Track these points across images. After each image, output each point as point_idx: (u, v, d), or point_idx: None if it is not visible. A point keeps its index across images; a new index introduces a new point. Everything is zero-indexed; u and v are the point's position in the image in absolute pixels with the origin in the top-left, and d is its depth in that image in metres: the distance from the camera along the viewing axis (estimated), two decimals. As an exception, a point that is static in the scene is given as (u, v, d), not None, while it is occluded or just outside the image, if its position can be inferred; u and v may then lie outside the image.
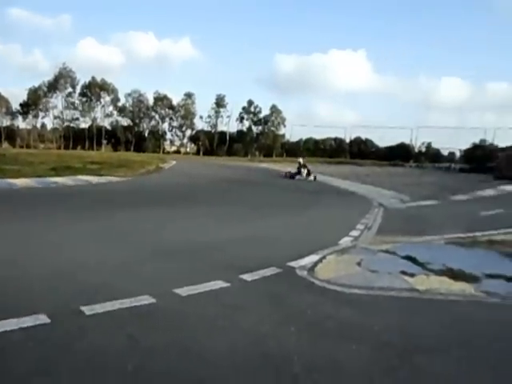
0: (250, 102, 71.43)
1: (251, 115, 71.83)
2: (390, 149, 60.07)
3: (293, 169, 24.63)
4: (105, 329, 2.94)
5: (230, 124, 72.18)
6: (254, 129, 71.84)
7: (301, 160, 25.09)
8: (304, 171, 23.36)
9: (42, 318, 2.94)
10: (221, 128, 72.56)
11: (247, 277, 4.28)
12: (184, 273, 4.45)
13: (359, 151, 61.90)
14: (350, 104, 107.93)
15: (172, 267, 4.65)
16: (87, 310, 3.16)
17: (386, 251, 5.80)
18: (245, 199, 13.13)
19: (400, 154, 55.13)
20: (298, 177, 23.14)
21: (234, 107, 71.13)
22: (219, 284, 3.99)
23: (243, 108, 71.70)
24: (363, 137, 66.09)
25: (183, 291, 3.73)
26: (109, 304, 3.30)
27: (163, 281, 4.09)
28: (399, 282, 4.45)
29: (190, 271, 4.53)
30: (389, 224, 9.17)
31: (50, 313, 3.03)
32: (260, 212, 10.02)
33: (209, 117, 71.76)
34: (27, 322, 2.86)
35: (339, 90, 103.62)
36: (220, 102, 71.25)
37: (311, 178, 22.94)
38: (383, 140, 73.23)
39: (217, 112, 71.56)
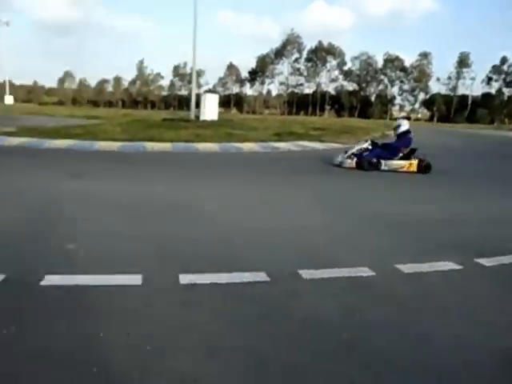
0: (504, 60, 62.02)
1: (503, 75, 62.53)
2: None
3: None
4: (321, 294, 3.12)
5: (472, 87, 64.67)
6: (506, 91, 62.30)
7: None
8: None
9: (262, 276, 3.33)
10: (462, 91, 65.71)
11: (485, 262, 3.92)
12: (406, 248, 4.40)
13: None
14: None
15: (392, 241, 4.64)
16: (304, 273, 3.42)
17: None
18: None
19: None
20: None
21: (480, 67, 63.53)
22: (449, 265, 3.79)
23: (493, 67, 63.11)
24: None
25: (406, 268, 3.68)
26: (326, 271, 3.50)
27: (383, 254, 4.12)
28: None
29: (412, 247, 4.43)
30: None
31: (269, 272, 3.38)
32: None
33: (448, 78, 66.06)
34: (249, 277, 3.30)
35: None
36: (464, 61, 64.62)
37: None
38: None
39: (458, 73, 65.21)
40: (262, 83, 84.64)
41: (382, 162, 10.32)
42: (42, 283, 3.07)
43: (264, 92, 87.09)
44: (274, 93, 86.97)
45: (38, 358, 2.22)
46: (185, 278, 3.26)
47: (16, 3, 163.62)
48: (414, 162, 10.38)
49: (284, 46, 77.83)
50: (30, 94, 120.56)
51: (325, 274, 3.45)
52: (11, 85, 79.80)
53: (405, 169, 10.34)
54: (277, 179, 8.73)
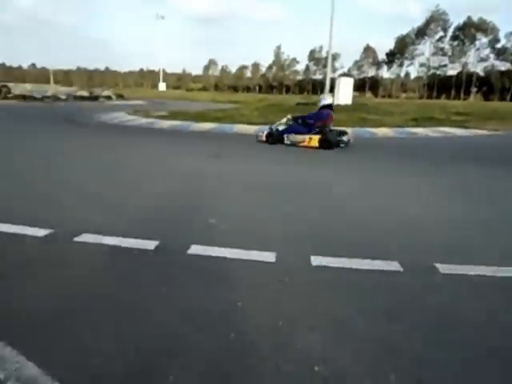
0: None
1: None
2: None
3: None
4: (460, 292, 2.88)
5: None
6: None
7: None
8: None
9: (395, 265, 3.21)
10: None
11: None
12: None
13: None
14: None
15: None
16: (441, 267, 3.20)
17: None
18: None
19: None
20: None
21: None
22: None
23: None
24: None
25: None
26: (466, 267, 3.23)
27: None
28: None
29: None
30: None
31: (403, 262, 3.25)
32: None
33: None
34: (381, 265, 3.22)
35: None
36: None
37: None
38: None
39: None
40: (400, 65, 79.84)
41: (285, 136, 10.46)
42: (189, 252, 3.41)
43: (402, 75, 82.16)
44: (412, 75, 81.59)
45: (182, 319, 2.48)
46: (316, 260, 3.31)
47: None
48: (315, 136, 10.02)
49: (427, 24, 71.90)
50: (179, 81, 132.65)
51: (466, 270, 3.19)
52: (164, 73, 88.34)
53: (305, 143, 10.15)
54: (415, 167, 8.21)
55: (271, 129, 11.03)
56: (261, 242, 3.72)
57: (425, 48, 74.53)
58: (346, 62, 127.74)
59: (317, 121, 10.42)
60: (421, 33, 73.89)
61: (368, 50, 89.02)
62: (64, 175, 6.61)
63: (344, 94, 26.78)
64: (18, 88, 39.09)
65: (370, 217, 4.68)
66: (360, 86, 79.29)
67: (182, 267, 3.17)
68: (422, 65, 75.62)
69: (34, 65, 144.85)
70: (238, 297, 2.73)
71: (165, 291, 2.78)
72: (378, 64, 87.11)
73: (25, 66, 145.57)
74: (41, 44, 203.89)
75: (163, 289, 2.81)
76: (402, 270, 3.15)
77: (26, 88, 40.48)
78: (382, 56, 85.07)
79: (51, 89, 45.38)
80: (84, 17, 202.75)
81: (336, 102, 25.97)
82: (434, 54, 72.90)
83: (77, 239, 3.63)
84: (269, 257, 3.36)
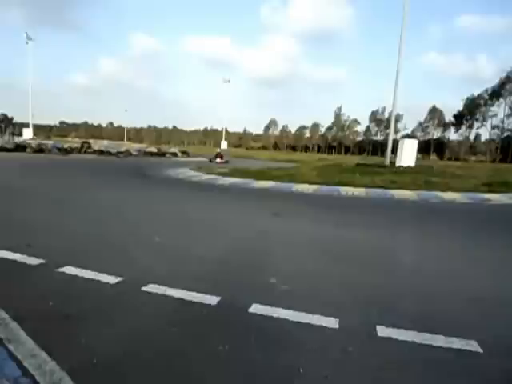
0: None
1: None
2: None
3: None
4: None
5: None
6: None
7: None
8: None
9: (473, 345, 2.96)
10: None
11: None
12: None
13: None
14: None
15: None
16: None
17: None
18: None
19: None
20: None
21: None
22: None
23: None
24: None
25: None
26: None
27: None
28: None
29: None
30: None
31: (482, 341, 2.99)
32: None
33: None
34: (454, 343, 3.00)
35: None
36: None
37: None
38: None
39: None
40: (470, 127, 77.66)
41: None
42: (250, 310, 3.40)
43: (471, 137, 79.79)
44: (483, 137, 78.96)
45: (240, 378, 2.44)
46: (383, 331, 3.15)
47: (236, 63, 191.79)
48: None
49: (502, 84, 69.98)
50: (240, 140, 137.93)
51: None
52: (226, 132, 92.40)
53: None
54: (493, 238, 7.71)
55: None
56: (322, 305, 3.62)
57: (499, 109, 72.29)
58: (409, 123, 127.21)
59: None
60: (495, 93, 71.98)
61: (434, 111, 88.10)
62: (133, 225, 6.93)
63: (407, 155, 26.36)
64: (96, 144, 42.69)
65: (443, 287, 4.40)
66: (424, 148, 77.72)
67: (242, 326, 3.15)
68: (494, 127, 73.19)
69: (111, 123, 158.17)
70: (299, 363, 2.64)
71: (226, 350, 2.76)
72: (444, 125, 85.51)
73: (103, 124, 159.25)
74: (118, 105, 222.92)
75: (225, 347, 2.79)
76: (481, 351, 2.88)
77: (104, 144, 44.27)
78: (448, 117, 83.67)
79: (125, 145, 48.91)
80: (158, 80, 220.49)
81: (398, 164, 25.63)
82: (509, 115, 70.40)
83: (144, 289, 3.78)
84: (331, 322, 3.26)
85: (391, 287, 4.30)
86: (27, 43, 55.17)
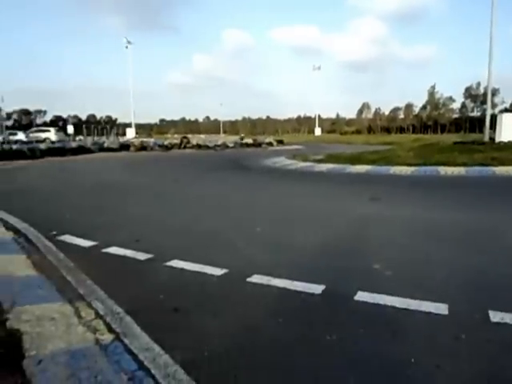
0: None
1: None
2: None
3: None
4: None
5: None
6: None
7: None
8: None
9: None
10: None
11: None
12: None
13: None
14: None
15: None
16: None
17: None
18: None
19: None
20: None
21: None
22: None
23: None
24: None
25: None
26: None
27: None
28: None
29: None
30: None
31: None
32: None
33: None
34: None
35: None
36: None
37: None
38: None
39: None
40: None
41: None
42: (356, 298, 3.31)
43: None
44: None
45: (351, 369, 2.39)
46: (496, 316, 2.91)
47: (325, 50, 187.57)
48: None
49: None
50: (333, 125, 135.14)
51: None
52: (319, 118, 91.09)
53: None
54: None
55: None
56: (429, 291, 3.43)
57: None
58: (507, 97, 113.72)
59: None
60: None
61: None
62: (234, 217, 7.03)
63: (507, 130, 23.71)
64: (194, 138, 44.26)
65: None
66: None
67: (349, 315, 3.07)
68: None
69: (208, 117, 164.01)
70: (411, 351, 2.53)
71: (334, 339, 2.69)
72: (551, 95, 75.26)
73: (200, 119, 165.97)
74: (213, 99, 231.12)
75: (332, 337, 2.72)
76: None
77: (202, 138, 45.61)
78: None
79: (221, 138, 50.36)
80: (250, 73, 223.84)
81: (498, 140, 23.15)
82: None
83: (249, 279, 3.76)
84: (441, 308, 3.06)
85: (499, 270, 3.96)
86: (127, 47, 56.24)
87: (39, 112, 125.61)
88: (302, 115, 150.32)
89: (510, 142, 22.24)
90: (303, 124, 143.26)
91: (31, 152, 24.07)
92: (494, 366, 2.37)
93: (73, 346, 2.53)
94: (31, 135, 39.30)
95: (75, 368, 2.27)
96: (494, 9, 23.44)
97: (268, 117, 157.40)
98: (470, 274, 3.89)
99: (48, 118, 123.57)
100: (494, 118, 26.38)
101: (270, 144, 46.10)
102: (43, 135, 38.69)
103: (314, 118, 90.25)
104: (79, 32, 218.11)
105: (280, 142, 48.39)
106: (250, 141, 45.80)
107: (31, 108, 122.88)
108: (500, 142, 22.28)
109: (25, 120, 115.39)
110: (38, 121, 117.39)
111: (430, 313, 3.02)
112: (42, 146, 27.58)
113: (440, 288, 3.52)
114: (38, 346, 2.50)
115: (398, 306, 3.15)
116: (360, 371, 2.36)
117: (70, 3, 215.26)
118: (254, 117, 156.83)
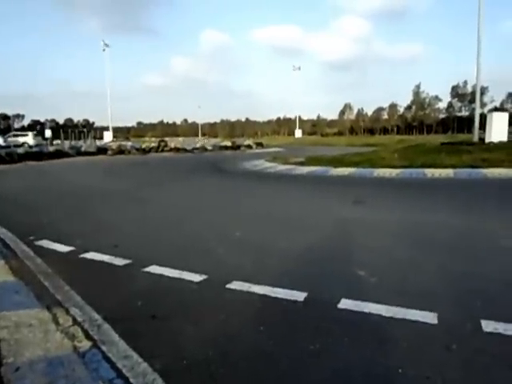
0: None
1: None
2: None
3: None
4: None
5: None
6: None
7: None
8: None
9: None
10: None
11: None
12: None
13: None
14: None
15: None
16: None
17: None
18: None
19: None
20: None
21: None
22: None
23: None
24: None
25: None
26: None
27: None
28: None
29: None
30: None
31: None
32: None
33: None
34: None
35: None
36: None
37: None
38: None
39: None
40: None
41: None
42: (339, 306, 3.25)
43: None
44: None
45: (335, 380, 2.32)
46: (488, 325, 2.85)
47: (306, 50, 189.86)
48: None
49: None
50: (314, 127, 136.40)
51: None
52: (299, 120, 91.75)
53: None
54: None
55: None
56: (417, 298, 3.38)
57: None
58: (496, 95, 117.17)
59: None
60: None
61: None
62: (211, 222, 6.97)
63: (497, 130, 24.22)
64: (172, 141, 44.41)
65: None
66: (516, 121, 71.02)
67: (333, 323, 3.00)
68: None
69: (186, 120, 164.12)
70: (397, 362, 2.46)
71: (317, 348, 2.64)
72: (538, 94, 77.70)
73: (178, 121, 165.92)
74: (192, 101, 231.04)
75: (315, 346, 2.67)
76: None
77: (179, 141, 45.77)
78: (542, 85, 75.90)
79: (200, 141, 50.43)
80: (229, 74, 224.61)
81: (487, 140, 23.62)
82: None
83: (228, 286, 3.75)
84: (430, 317, 3.01)
85: (492, 276, 3.93)
86: (104, 50, 57.17)
87: (17, 116, 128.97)
88: (282, 117, 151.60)
89: (500, 142, 22.70)
90: (283, 126, 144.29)
91: (9, 156, 24.82)
92: (487, 379, 2.31)
93: (51, 353, 2.58)
94: (9, 139, 41.02)
95: (53, 376, 2.31)
96: (481, 3, 24.00)
97: (247, 119, 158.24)
98: (459, 281, 3.87)
99: (26, 122, 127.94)
100: (483, 117, 26.88)
101: (249, 146, 46.27)
102: (21, 139, 40.69)
103: (295, 120, 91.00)
104: (55, 34, 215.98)
105: (259, 145, 48.64)
106: (228, 143, 45.92)
107: (9, 112, 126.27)
108: (490, 143, 22.70)
109: (3, 124, 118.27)
110: (16, 125, 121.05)
111: (417, 321, 2.97)
112: (20, 150, 28.66)
113: (428, 295, 3.48)
114: (15, 352, 2.56)
115: (384, 314, 3.09)
116: (344, 382, 2.32)
117: (44, 5, 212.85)
118: (233, 119, 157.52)
